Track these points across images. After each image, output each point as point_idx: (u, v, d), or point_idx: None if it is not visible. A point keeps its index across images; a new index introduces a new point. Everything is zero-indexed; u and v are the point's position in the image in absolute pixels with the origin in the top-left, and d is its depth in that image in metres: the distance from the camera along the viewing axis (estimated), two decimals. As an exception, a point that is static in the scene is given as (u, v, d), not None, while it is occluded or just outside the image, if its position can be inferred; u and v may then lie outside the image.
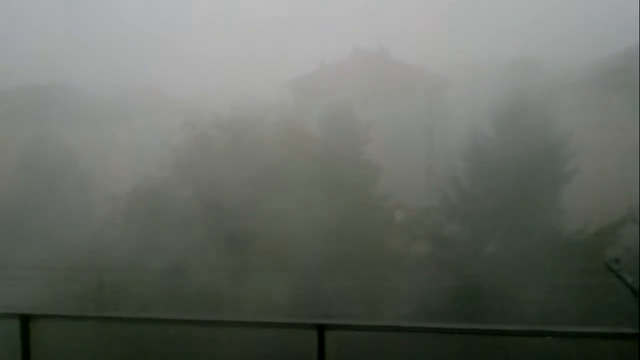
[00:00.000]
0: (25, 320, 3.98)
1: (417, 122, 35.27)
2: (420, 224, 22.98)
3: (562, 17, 57.88)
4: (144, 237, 23.80)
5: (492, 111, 24.26)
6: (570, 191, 23.81)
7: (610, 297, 17.03)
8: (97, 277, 19.29)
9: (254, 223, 22.36)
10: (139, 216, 24.68)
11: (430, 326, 5.51)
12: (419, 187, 29.63)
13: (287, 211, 22.57)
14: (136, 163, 42.29)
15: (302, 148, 25.23)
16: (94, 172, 37.87)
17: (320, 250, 21.26)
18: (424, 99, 37.46)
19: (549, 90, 31.17)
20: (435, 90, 38.35)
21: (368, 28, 45.77)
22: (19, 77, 43.63)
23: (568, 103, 32.21)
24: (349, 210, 22.71)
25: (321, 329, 4.05)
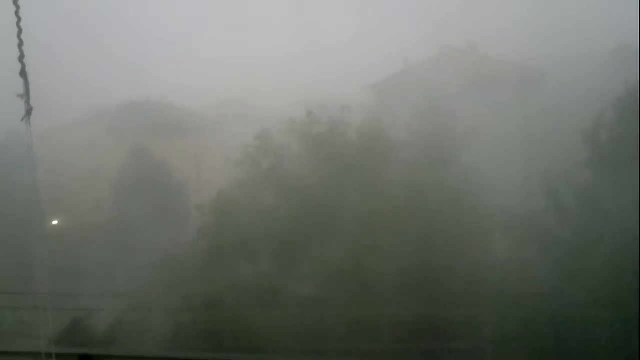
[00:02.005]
0: None
1: (512, 118, 33.47)
2: (524, 227, 21.53)
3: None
4: (236, 248, 23.94)
5: (604, 102, 22.33)
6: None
7: None
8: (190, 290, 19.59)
9: (341, 231, 21.93)
10: (227, 226, 24.87)
11: None
12: (520, 188, 27.94)
13: (376, 218, 21.88)
14: (225, 173, 43.40)
15: (389, 152, 24.50)
16: (187, 183, 39.13)
17: (415, 259, 20.45)
18: (519, 94, 35.55)
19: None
20: (530, 83, 36.35)
21: (455, 23, 44.33)
22: (118, 92, 46.02)
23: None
24: (445, 216, 21.70)
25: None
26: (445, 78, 35.67)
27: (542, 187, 22.56)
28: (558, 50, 44.86)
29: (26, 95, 4.53)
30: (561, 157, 23.71)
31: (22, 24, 4.50)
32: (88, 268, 31.47)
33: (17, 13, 4.47)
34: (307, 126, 25.06)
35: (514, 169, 29.48)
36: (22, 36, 4.50)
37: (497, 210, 22.39)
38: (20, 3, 4.47)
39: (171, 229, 34.84)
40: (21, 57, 4.50)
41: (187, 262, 27.43)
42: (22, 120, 4.52)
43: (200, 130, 44.39)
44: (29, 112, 4.56)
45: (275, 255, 22.80)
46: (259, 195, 25.39)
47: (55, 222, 37.64)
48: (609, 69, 40.88)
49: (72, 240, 33.58)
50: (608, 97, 23.40)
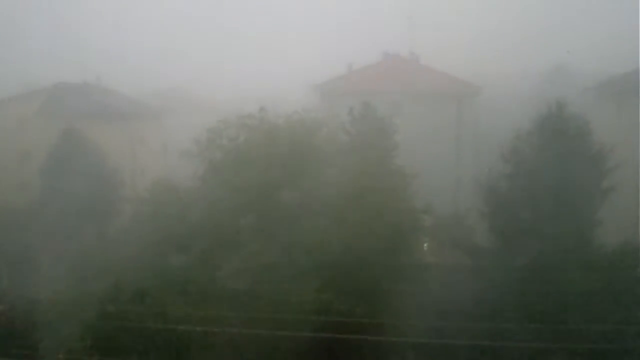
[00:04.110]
0: None
1: (446, 129, 34.71)
2: (450, 231, 22.43)
3: (598, 27, 56.92)
4: (169, 237, 23.70)
5: (529, 120, 23.63)
6: (609, 205, 22.96)
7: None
8: (116, 280, 19.14)
9: (280, 225, 22.12)
10: (165, 215, 24.58)
11: None
12: (448, 194, 29.06)
13: (314, 213, 22.24)
14: (163, 162, 42.67)
15: (327, 149, 24.90)
16: (122, 170, 38.22)
17: (346, 254, 20.88)
18: (455, 106, 36.87)
19: (586, 100, 30.30)
20: (465, 97, 37.77)
21: (399, 33, 45.44)
22: (53, 75, 44.40)
23: (606, 114, 31.33)
24: (375, 214, 22.27)
25: None
26: (385, 84, 36.56)
27: (467, 193, 23.52)
28: (495, 67, 46.88)
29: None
30: (487, 166, 24.90)
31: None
32: (9, 252, 30.27)
33: None
34: (258, 121, 25.03)
35: (443, 175, 30.70)
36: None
37: (423, 211, 23.11)
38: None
39: (100, 217, 33.97)
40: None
41: (115, 251, 26.86)
42: None
43: (137, 118, 43.40)
44: None
45: (207, 249, 22.70)
46: (198, 187, 25.17)
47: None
48: (542, 87, 43.12)
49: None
50: (535, 114, 24.71)
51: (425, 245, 24.36)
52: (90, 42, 53.51)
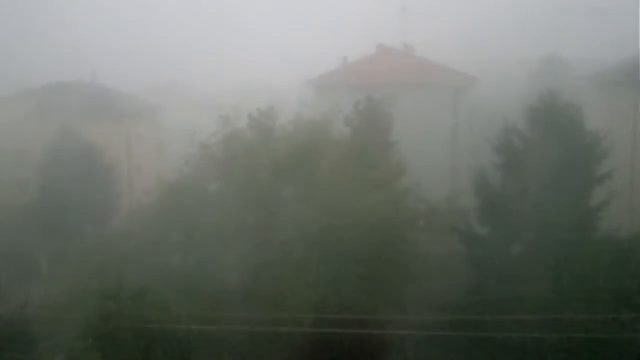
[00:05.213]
0: None
1: (442, 120, 34.83)
2: (445, 221, 22.53)
3: (592, 17, 57.01)
4: (168, 234, 23.79)
5: (522, 110, 23.72)
6: (603, 192, 23.15)
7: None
8: (117, 278, 19.12)
9: (282, 219, 22.16)
10: (164, 213, 24.61)
11: None
12: (444, 184, 29.23)
13: (315, 205, 22.27)
14: (161, 159, 42.66)
15: (328, 144, 24.92)
16: (118, 168, 38.25)
17: (343, 246, 20.96)
18: (450, 97, 36.94)
19: (581, 90, 30.40)
20: (461, 88, 37.83)
21: (393, 25, 45.40)
22: (47, 74, 44.29)
23: (600, 103, 31.48)
24: (373, 205, 22.36)
25: None
26: (380, 77, 36.58)
27: (463, 184, 23.57)
28: (490, 56, 46.89)
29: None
30: (482, 157, 25.04)
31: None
32: (8, 251, 30.31)
33: None
34: (267, 119, 25.02)
35: (440, 166, 30.88)
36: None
37: (419, 202, 23.20)
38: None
39: (98, 214, 34.03)
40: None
41: (114, 249, 26.92)
42: None
43: (133, 115, 43.35)
44: None
45: (204, 246, 22.75)
46: (204, 184, 25.17)
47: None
48: (537, 76, 43.24)
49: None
50: (527, 105, 24.80)
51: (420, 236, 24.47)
52: (85, 40, 53.28)
